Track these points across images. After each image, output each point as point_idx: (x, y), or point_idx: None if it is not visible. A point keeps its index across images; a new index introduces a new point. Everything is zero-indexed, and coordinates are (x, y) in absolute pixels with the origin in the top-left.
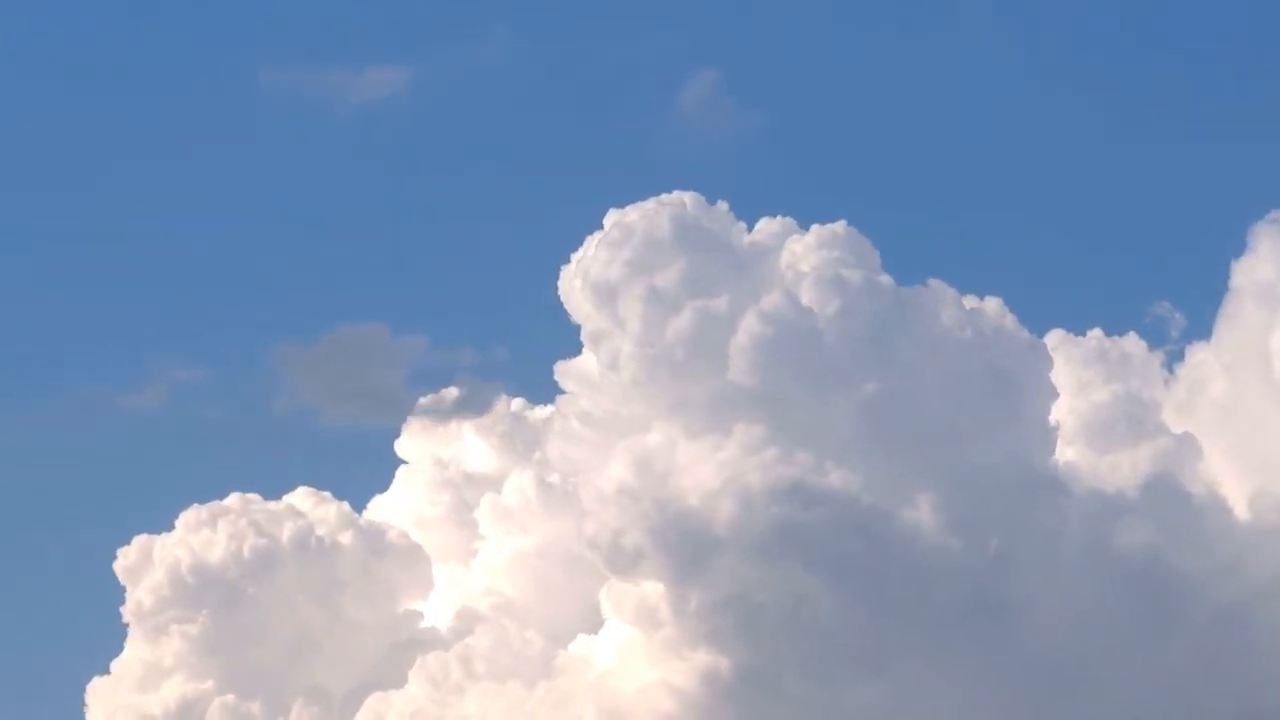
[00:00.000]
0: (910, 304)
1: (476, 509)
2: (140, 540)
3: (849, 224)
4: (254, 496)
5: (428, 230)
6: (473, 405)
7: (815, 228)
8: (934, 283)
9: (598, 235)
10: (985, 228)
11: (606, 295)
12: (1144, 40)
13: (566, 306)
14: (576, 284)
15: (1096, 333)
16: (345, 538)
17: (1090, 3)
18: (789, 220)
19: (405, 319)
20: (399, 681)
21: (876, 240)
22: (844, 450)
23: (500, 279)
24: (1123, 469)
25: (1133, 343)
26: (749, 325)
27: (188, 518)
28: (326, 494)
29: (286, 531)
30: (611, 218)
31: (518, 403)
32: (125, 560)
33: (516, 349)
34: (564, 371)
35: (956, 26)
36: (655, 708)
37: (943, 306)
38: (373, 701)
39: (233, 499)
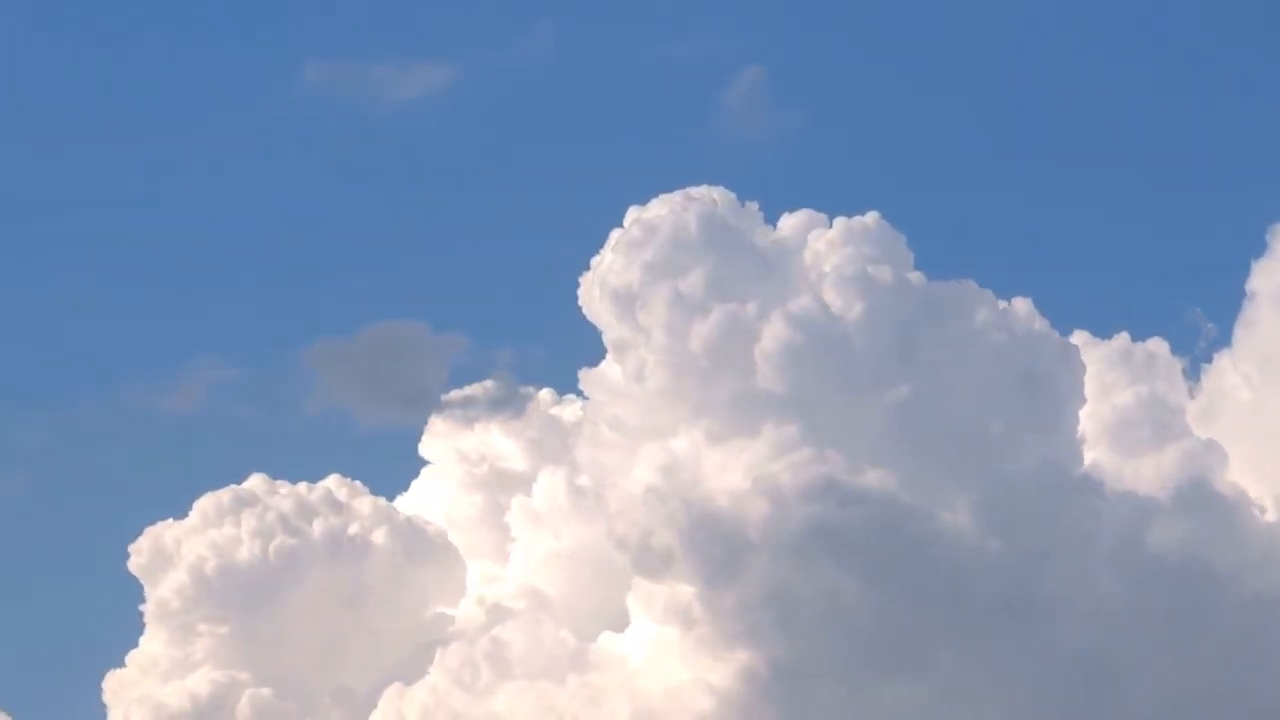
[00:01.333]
0: (942, 305)
1: (507, 509)
2: (155, 530)
3: (881, 216)
4: (282, 483)
5: (467, 228)
6: (505, 404)
7: (844, 220)
8: (965, 281)
9: (616, 234)
10: (1010, 227)
11: (628, 303)
12: (1178, 39)
13: (588, 315)
14: (595, 293)
15: (1123, 336)
16: (379, 535)
17: (1121, 6)
18: (818, 214)
19: (445, 317)
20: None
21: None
22: (876, 452)
23: (539, 278)
24: (1151, 470)
25: (1157, 346)
26: (776, 329)
27: (205, 506)
28: (359, 483)
29: (317, 528)
30: (631, 215)
31: (546, 394)
32: (139, 558)
33: (554, 349)
34: (589, 379)
35: (990, 28)
36: (688, 706)
37: (976, 308)
38: (393, 694)
39: (257, 481)
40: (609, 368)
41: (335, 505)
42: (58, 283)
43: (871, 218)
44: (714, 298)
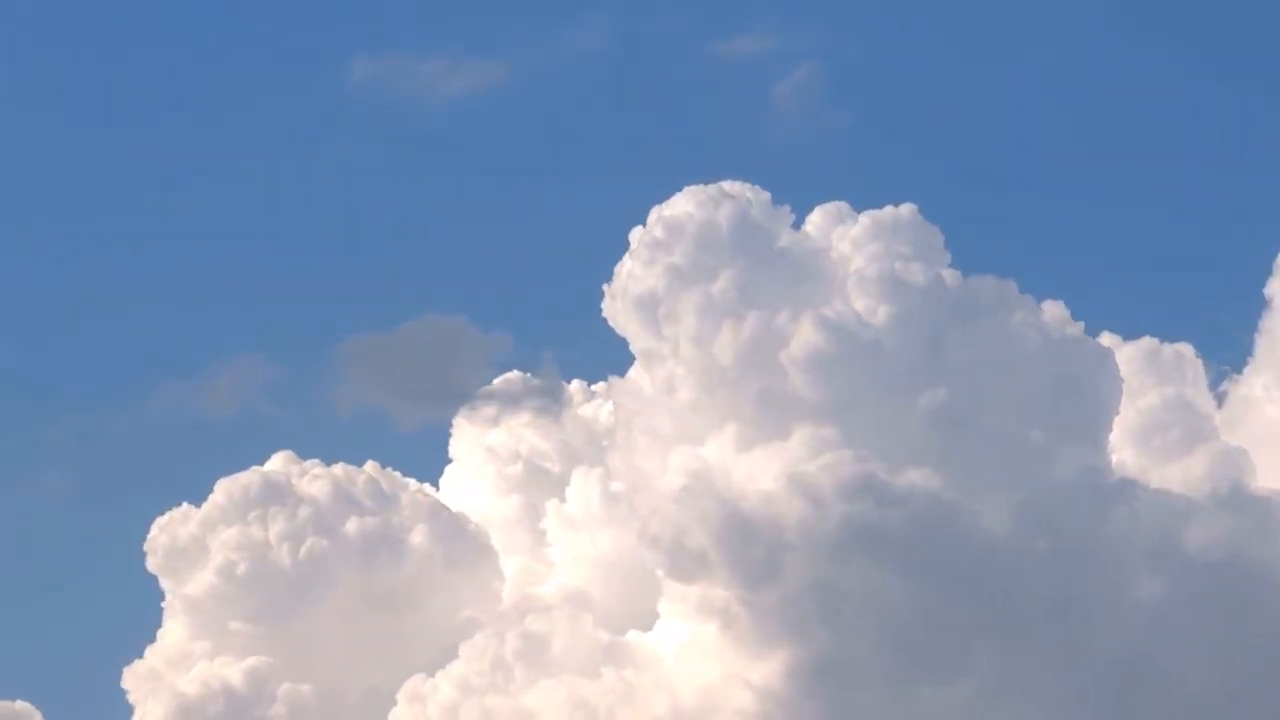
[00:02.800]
0: (976, 307)
1: (539, 506)
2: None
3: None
4: (314, 463)
5: (514, 225)
6: (544, 400)
7: (877, 214)
8: (1004, 282)
9: (638, 234)
10: (1038, 227)
11: (654, 312)
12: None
13: (612, 325)
14: (619, 304)
15: (1148, 339)
16: (417, 532)
17: (1160, 23)
18: (846, 207)
19: (488, 314)
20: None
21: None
22: (912, 455)
23: (586, 277)
24: (1182, 472)
25: (1182, 349)
26: (808, 334)
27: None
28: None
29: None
30: (654, 215)
31: (578, 387)
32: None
33: (597, 348)
34: (618, 388)
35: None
36: (723, 705)
37: (1010, 310)
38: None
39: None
40: (638, 376)
41: (375, 494)
42: (93, 280)
43: (907, 209)
44: (743, 303)
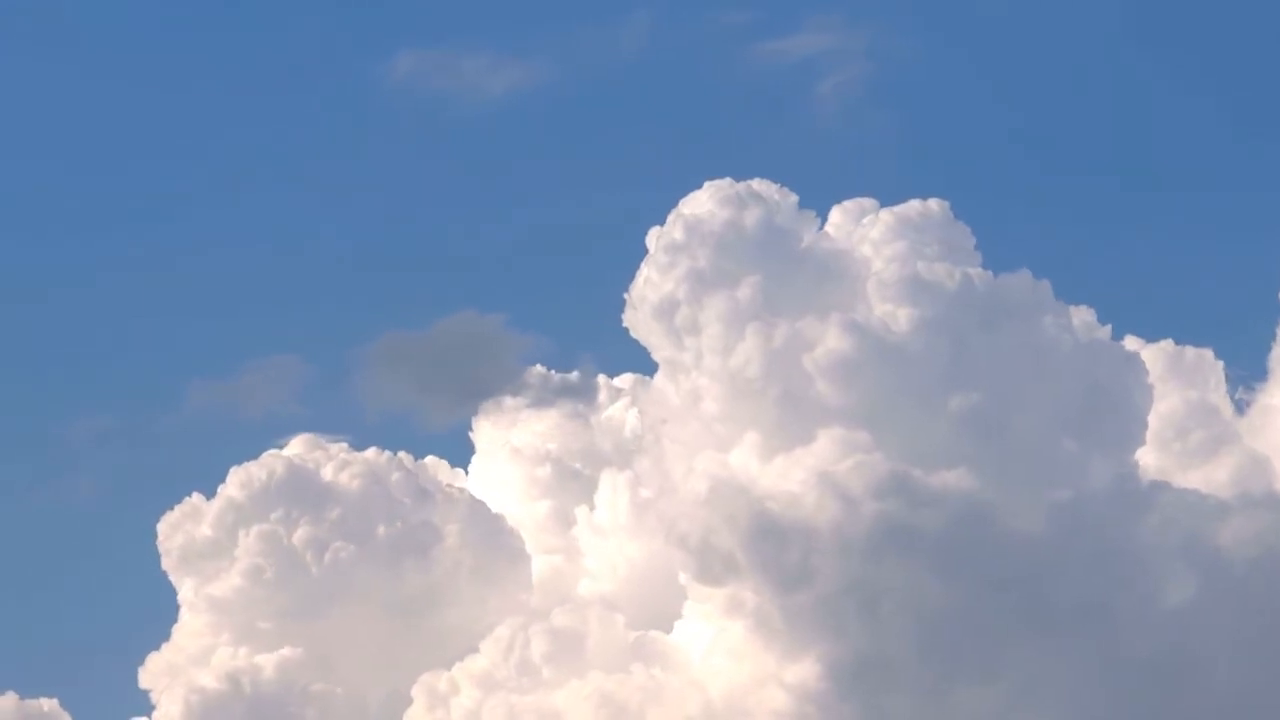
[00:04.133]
0: (1006, 309)
1: (567, 504)
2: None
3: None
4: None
5: (553, 223)
6: (571, 400)
7: (905, 210)
8: (1040, 283)
9: (655, 235)
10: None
11: (676, 322)
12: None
13: (635, 335)
14: (640, 315)
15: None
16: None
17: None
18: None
19: (523, 314)
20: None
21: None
22: (943, 458)
23: (626, 279)
24: (1207, 475)
25: (1203, 354)
26: (835, 339)
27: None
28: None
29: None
30: (672, 215)
31: (602, 380)
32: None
33: (638, 354)
34: (644, 395)
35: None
36: (755, 705)
37: (1039, 314)
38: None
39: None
40: (664, 383)
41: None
42: (125, 279)
43: (937, 204)
44: (767, 309)
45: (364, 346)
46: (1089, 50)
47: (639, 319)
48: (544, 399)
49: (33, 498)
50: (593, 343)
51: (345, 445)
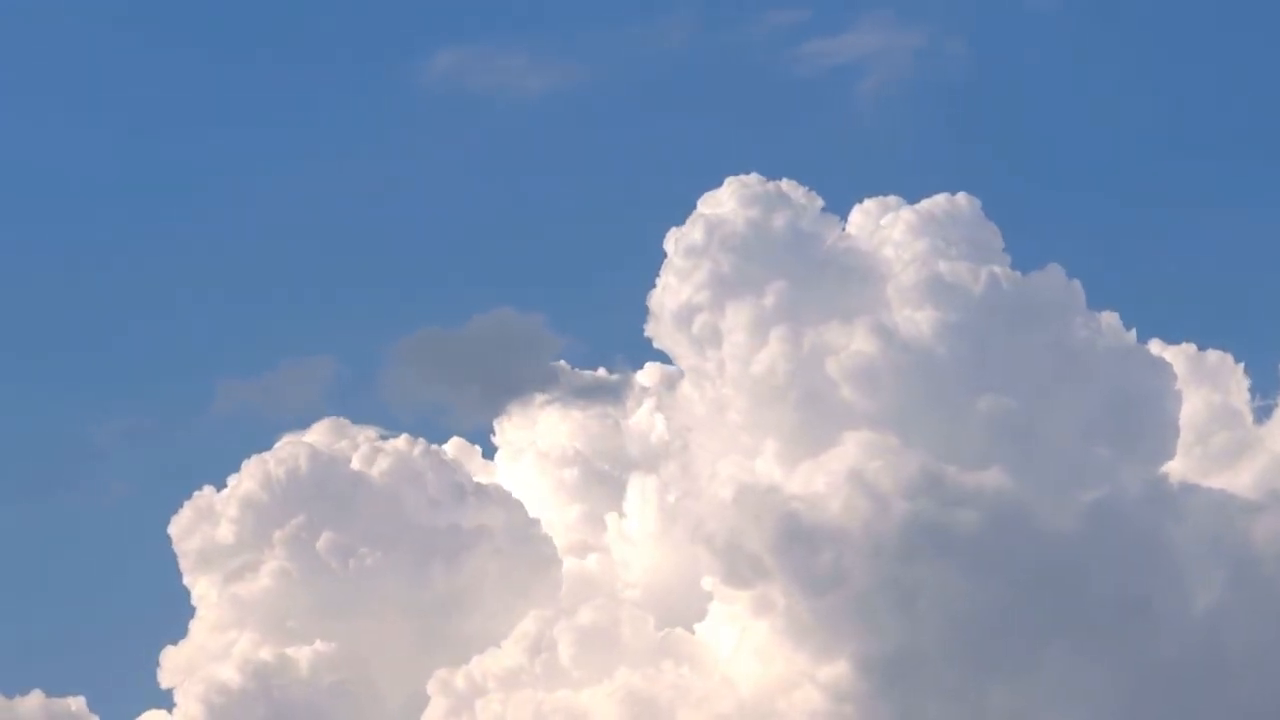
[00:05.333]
0: (1032, 312)
1: (594, 503)
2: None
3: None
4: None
5: (591, 223)
6: (603, 400)
7: (931, 206)
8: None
9: (673, 239)
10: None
11: (698, 330)
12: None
13: (657, 345)
14: (661, 324)
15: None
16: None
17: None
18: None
19: (560, 313)
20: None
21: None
22: (973, 460)
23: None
24: (1231, 476)
25: (1224, 356)
26: (861, 343)
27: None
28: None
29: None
30: (692, 218)
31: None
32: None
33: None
34: (669, 402)
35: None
36: (780, 702)
37: (1067, 317)
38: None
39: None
40: (689, 391)
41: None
42: (157, 279)
43: (964, 199)
44: (791, 314)
45: (397, 344)
46: (1129, 56)
47: (661, 329)
48: (574, 399)
49: (62, 497)
50: (629, 346)
51: (374, 432)
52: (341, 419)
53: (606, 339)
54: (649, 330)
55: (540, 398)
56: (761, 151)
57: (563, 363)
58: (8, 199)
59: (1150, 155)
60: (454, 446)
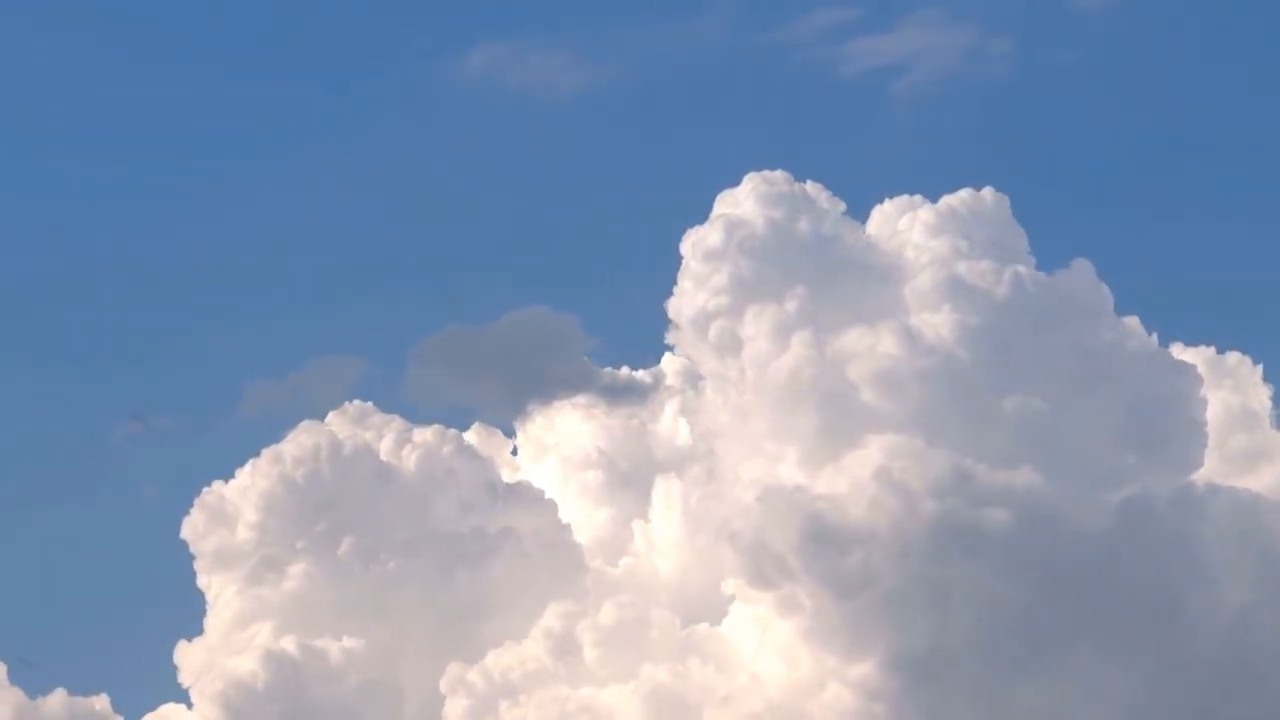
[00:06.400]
0: (1055, 314)
1: (623, 509)
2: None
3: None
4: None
5: (626, 223)
6: (629, 401)
7: (953, 204)
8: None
9: (691, 243)
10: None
11: (718, 335)
12: None
13: (679, 352)
14: (680, 336)
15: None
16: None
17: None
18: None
19: (593, 314)
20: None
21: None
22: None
23: None
24: (1254, 478)
25: (1242, 359)
26: (887, 346)
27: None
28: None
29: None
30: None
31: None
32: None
33: None
34: (693, 408)
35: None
36: (813, 705)
37: (1096, 318)
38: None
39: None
40: (711, 399)
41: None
42: (184, 281)
43: (989, 193)
44: (811, 321)
45: (423, 342)
46: (1175, 57)
47: (682, 336)
48: (603, 399)
49: (88, 499)
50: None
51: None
52: (366, 403)
53: (638, 339)
54: (670, 338)
55: (568, 398)
56: (792, 151)
57: (592, 361)
58: (35, 203)
59: (1177, 158)
60: (478, 435)
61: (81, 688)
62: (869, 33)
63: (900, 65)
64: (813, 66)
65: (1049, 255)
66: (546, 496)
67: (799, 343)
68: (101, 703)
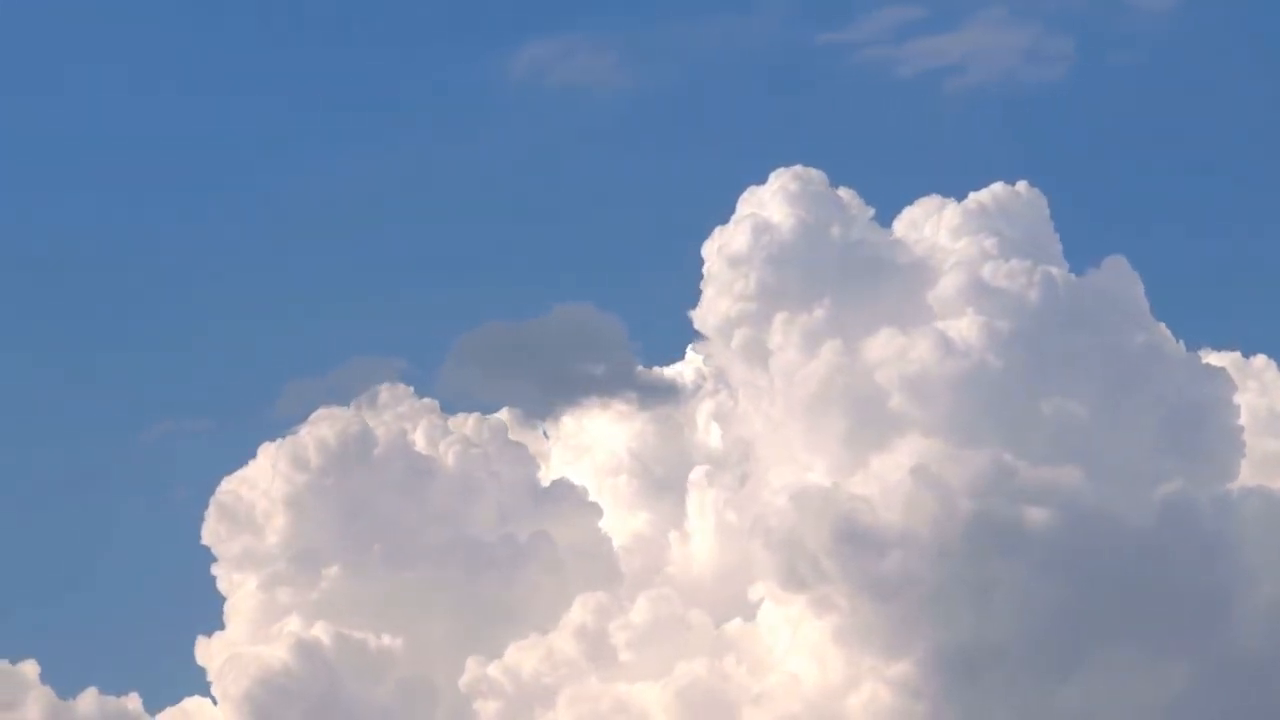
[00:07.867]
0: (1087, 318)
1: (658, 508)
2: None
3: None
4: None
5: (664, 222)
6: (663, 402)
7: (981, 202)
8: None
9: (713, 247)
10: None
11: (746, 344)
12: None
13: (706, 363)
14: (710, 342)
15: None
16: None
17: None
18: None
19: (635, 313)
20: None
21: None
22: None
23: None
24: None
25: (1268, 362)
26: (918, 350)
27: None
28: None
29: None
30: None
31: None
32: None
33: None
34: (722, 416)
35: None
36: (850, 704)
37: (1127, 327)
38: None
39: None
40: (742, 407)
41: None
42: (224, 279)
43: (1023, 187)
44: (838, 329)
45: (460, 339)
46: (1236, 61)
47: (711, 346)
48: (633, 399)
49: (125, 498)
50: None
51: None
52: (403, 386)
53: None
54: (695, 349)
55: (604, 398)
56: (833, 150)
57: (630, 359)
58: (69, 196)
59: (1224, 165)
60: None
61: (113, 687)
62: (930, 32)
63: (957, 65)
64: (868, 67)
65: (1083, 258)
66: (589, 499)
67: (830, 349)
68: (134, 702)
